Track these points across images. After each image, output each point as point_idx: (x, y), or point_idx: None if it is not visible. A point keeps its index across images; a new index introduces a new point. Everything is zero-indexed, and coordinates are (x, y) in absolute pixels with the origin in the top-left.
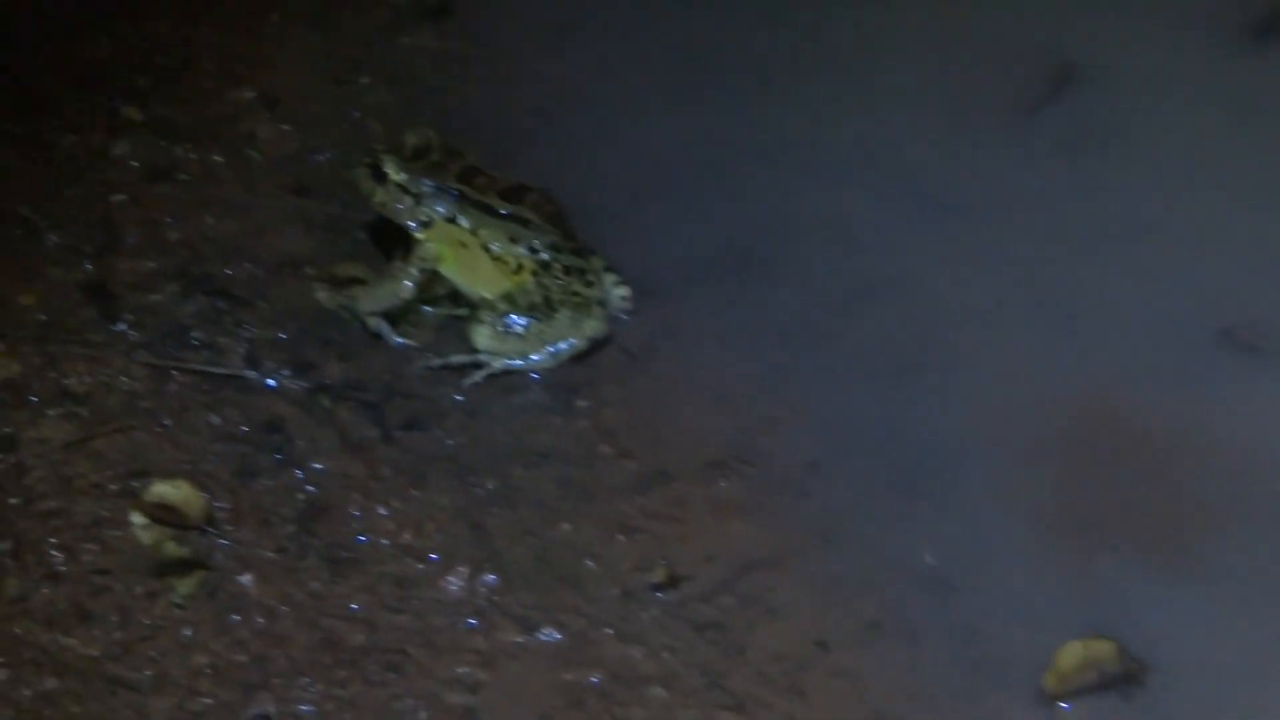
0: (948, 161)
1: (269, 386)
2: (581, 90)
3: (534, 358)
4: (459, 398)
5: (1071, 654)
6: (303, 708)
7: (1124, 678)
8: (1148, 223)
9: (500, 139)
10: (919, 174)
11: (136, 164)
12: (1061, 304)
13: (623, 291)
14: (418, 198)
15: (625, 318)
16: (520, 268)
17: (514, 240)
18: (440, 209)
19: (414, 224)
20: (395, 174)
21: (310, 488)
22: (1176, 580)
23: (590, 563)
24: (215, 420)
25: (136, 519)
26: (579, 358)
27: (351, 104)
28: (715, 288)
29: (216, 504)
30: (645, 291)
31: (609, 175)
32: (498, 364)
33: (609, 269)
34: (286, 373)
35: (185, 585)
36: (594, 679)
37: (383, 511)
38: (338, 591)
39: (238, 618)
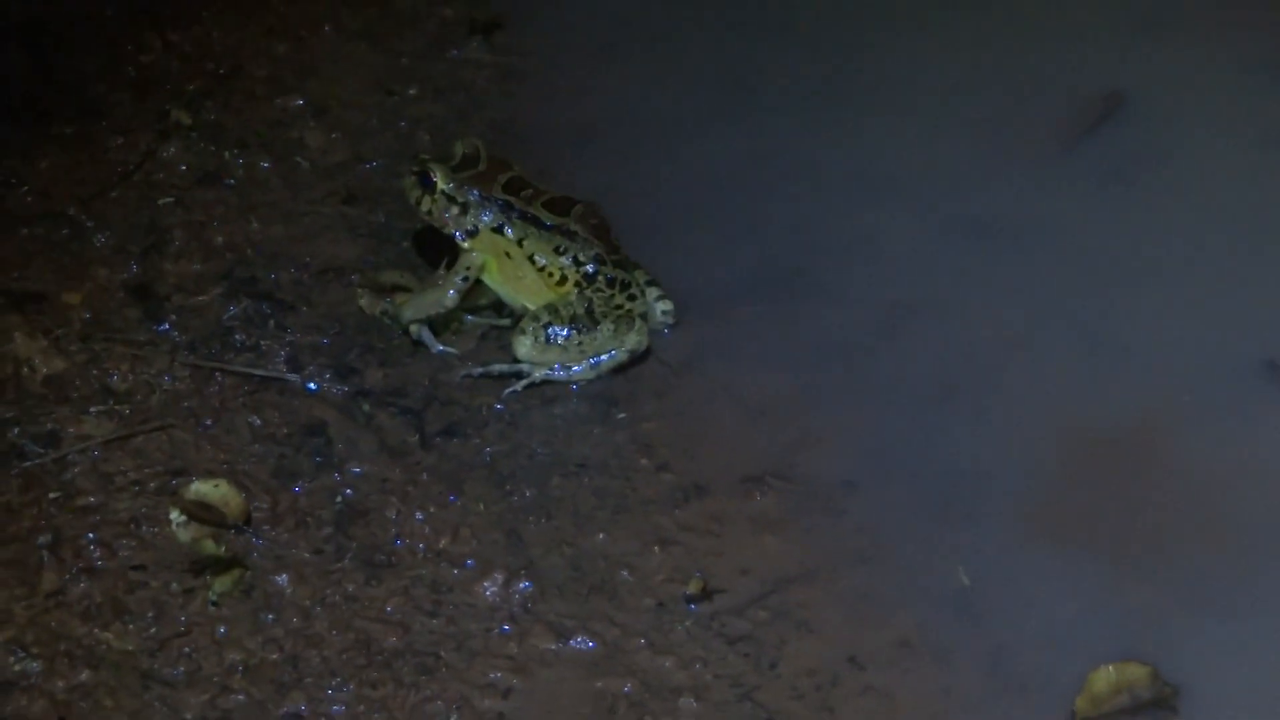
0: (991, 187)
1: (310, 390)
2: (629, 106)
3: (575, 369)
4: (499, 406)
5: (1104, 678)
6: (335, 708)
7: (1156, 703)
8: (1189, 253)
9: (548, 151)
10: (961, 198)
11: (184, 167)
12: (1100, 331)
13: (665, 305)
14: (464, 207)
15: (667, 332)
16: (564, 279)
17: (559, 252)
18: (486, 218)
19: (460, 233)
20: (443, 183)
21: (348, 491)
22: (1212, 608)
23: (625, 573)
24: (256, 422)
25: (175, 516)
26: (619, 370)
27: (400, 114)
28: (756, 305)
29: (255, 504)
30: (687, 306)
31: (655, 190)
32: (538, 374)
33: (652, 283)
34: (328, 377)
35: (221, 583)
36: (626, 688)
37: (419, 516)
38: (373, 594)
39: (272, 617)
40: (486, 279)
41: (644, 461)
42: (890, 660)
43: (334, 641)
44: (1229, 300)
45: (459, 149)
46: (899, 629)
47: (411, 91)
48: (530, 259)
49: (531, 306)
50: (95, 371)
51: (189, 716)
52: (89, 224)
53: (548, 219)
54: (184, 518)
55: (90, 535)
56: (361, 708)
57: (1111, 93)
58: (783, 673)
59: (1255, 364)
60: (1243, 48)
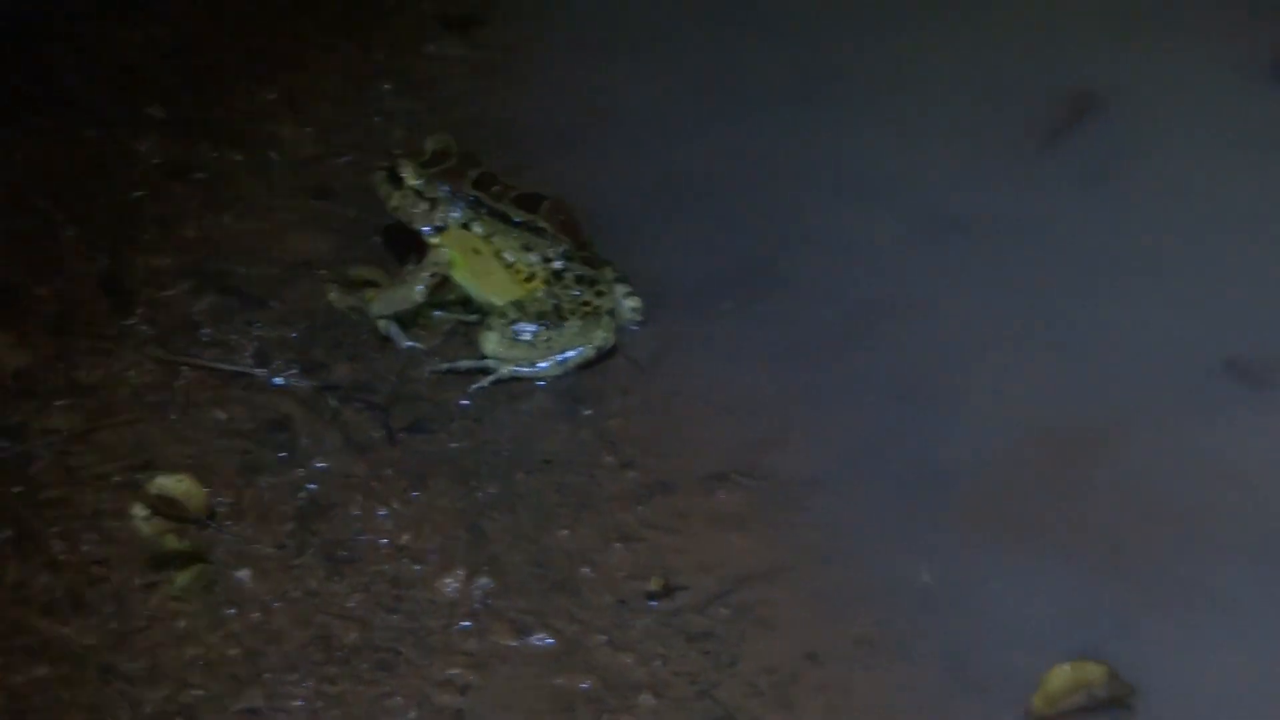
0: (965, 186)
1: (277, 385)
2: (606, 103)
3: (541, 365)
4: (465, 402)
5: (1060, 676)
6: (293, 703)
7: (1112, 701)
8: (1160, 253)
9: (521, 148)
10: (936, 198)
11: (158, 161)
12: (1070, 331)
13: (633, 303)
14: (433, 203)
15: (635, 329)
16: (532, 276)
17: (527, 248)
18: (455, 215)
19: (428, 229)
20: (412, 179)
21: (312, 486)
22: (1173, 607)
23: (587, 569)
24: (221, 416)
25: (138, 511)
26: (586, 367)
27: (374, 109)
28: (726, 303)
29: (218, 499)
30: (656, 304)
31: (627, 187)
32: (505, 370)
33: (621, 280)
34: (295, 372)
35: (183, 578)
36: (584, 684)
37: (382, 512)
38: (333, 590)
39: (233, 611)
40: (454, 275)
41: (609, 458)
42: (850, 657)
43: (294, 637)
44: (1197, 299)
45: (430, 145)
46: (859, 626)
47: (386, 86)
48: (498, 255)
49: (499, 303)
50: (62, 365)
51: (148, 710)
52: (60, 217)
53: (517, 215)
54: (147, 512)
55: (53, 529)
56: (320, 703)
57: (1087, 92)
58: (742, 669)
59: (1218, 363)
60: (1219, 47)
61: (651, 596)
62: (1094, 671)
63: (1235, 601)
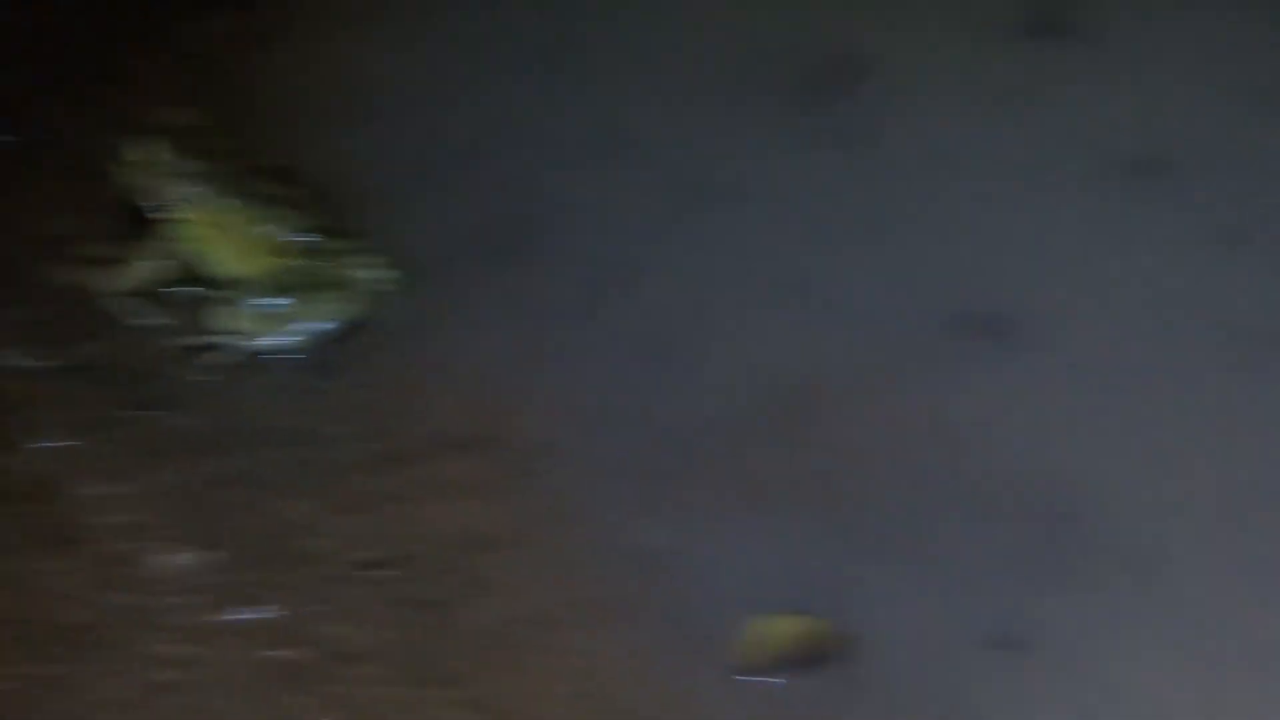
0: (724, 150)
1: (12, 366)
2: (365, 74)
3: (286, 339)
4: (205, 378)
5: (777, 629)
6: (8, 685)
7: (827, 652)
8: (908, 212)
9: (278, 120)
10: (693, 162)
11: None
12: (815, 291)
13: (382, 274)
14: (178, 178)
15: (384, 300)
16: (278, 249)
17: (273, 222)
18: (199, 189)
19: (170, 204)
20: (156, 154)
21: (39, 466)
22: (891, 560)
23: (318, 541)
24: None
25: None
26: (333, 339)
27: (131, 84)
28: (478, 271)
29: None
30: (406, 274)
31: (384, 157)
32: (248, 344)
33: (370, 250)
34: (31, 351)
35: None
36: (307, 655)
37: (113, 490)
38: (55, 569)
39: None
40: (198, 249)
41: (350, 430)
42: (578, 621)
43: (11, 619)
44: (937, 256)
45: (179, 119)
46: (586, 590)
47: (145, 61)
48: (243, 229)
49: (245, 276)
50: None
51: None
52: None
53: (264, 188)
54: None
55: None
56: (38, 689)
57: (848, 55)
58: (467, 635)
59: (951, 318)
60: (976, 7)
61: (379, 565)
62: (807, 624)
63: (951, 554)
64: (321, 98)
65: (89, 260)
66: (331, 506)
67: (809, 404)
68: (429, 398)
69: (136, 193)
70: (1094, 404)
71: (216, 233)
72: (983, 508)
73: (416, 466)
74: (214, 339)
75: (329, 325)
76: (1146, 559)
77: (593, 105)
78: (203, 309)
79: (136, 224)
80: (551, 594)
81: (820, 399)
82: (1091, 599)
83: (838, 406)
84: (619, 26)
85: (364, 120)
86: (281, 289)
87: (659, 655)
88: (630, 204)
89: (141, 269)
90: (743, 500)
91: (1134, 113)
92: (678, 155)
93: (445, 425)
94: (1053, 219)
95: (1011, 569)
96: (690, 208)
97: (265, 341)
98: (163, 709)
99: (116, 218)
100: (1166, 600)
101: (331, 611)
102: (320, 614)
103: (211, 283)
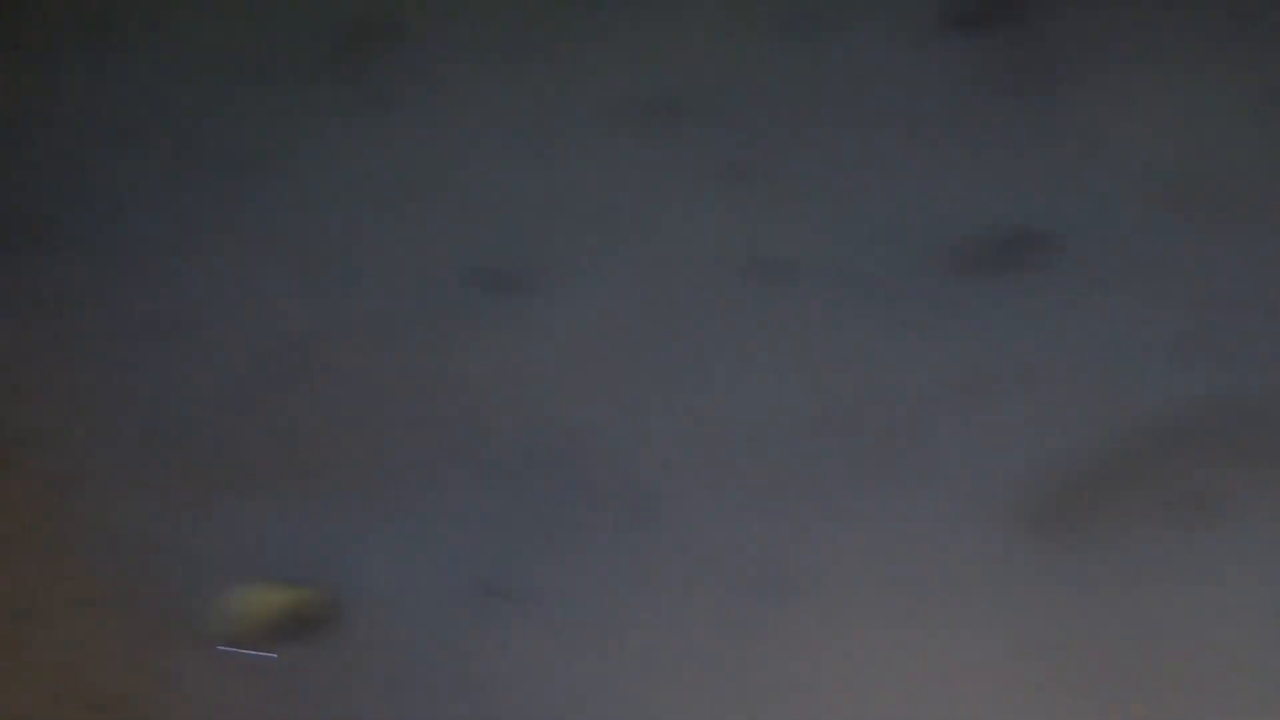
0: (249, 123)
1: None
2: None
3: None
4: None
5: (264, 600)
6: None
7: (313, 622)
8: (428, 176)
9: None
10: (214, 139)
11: None
12: (331, 260)
13: None
14: None
15: None
16: None
17: None
18: None
19: None
20: None
21: None
22: (393, 521)
23: None
24: None
25: None
26: None
27: None
28: None
29: None
30: None
31: None
32: None
33: None
34: None
35: None
36: None
37: None
38: None
39: None
40: None
41: None
42: (64, 614)
43: None
44: (462, 215)
45: None
46: (74, 579)
47: None
48: None
49: None
50: None
51: None
52: None
53: None
54: None
55: None
56: None
57: (379, 22)
58: None
59: (473, 275)
60: None
61: None
62: (294, 594)
63: (453, 512)
64: None
65: None
66: None
67: (310, 369)
68: None
69: None
70: (604, 351)
71: None
72: (487, 464)
73: None
74: None
75: None
76: (653, 502)
77: (114, 88)
78: None
79: None
80: (33, 586)
81: (323, 363)
82: (595, 546)
83: (341, 369)
84: (150, 4)
85: None
86: None
87: (147, 640)
88: (150, 185)
89: None
90: (238, 473)
91: (651, 54)
92: (205, 132)
93: None
94: (571, 172)
95: (514, 523)
96: (210, 186)
97: None
98: None
99: None
100: (672, 541)
101: None
102: None
103: None
